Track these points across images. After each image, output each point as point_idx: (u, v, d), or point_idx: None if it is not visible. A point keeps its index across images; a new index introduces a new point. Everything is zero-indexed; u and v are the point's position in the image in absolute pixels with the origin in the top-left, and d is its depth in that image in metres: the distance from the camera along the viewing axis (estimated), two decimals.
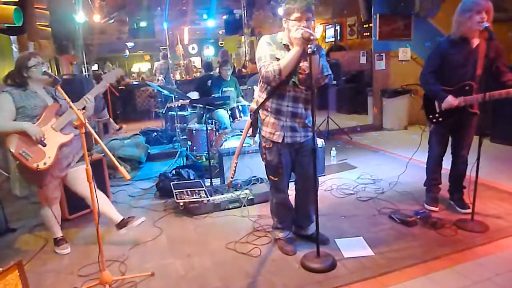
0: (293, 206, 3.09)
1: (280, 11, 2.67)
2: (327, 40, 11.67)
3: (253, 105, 2.88)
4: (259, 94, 2.84)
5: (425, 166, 3.65)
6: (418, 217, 3.33)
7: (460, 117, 3.24)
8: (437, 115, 3.30)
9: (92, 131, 2.44)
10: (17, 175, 3.17)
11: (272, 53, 2.64)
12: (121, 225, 3.17)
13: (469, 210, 3.24)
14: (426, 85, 3.32)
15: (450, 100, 3.12)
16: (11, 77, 2.92)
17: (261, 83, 2.79)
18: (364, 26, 9.98)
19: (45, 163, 2.80)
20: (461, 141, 3.38)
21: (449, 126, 3.35)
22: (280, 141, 2.75)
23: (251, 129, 2.96)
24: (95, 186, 2.54)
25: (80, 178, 3.04)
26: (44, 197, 3.04)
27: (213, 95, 5.63)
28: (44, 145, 2.81)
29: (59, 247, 3.16)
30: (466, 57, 3.12)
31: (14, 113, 2.80)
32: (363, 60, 9.26)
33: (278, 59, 2.61)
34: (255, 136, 3.03)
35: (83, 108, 2.96)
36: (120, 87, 10.38)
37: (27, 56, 2.90)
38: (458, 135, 3.40)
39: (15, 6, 3.56)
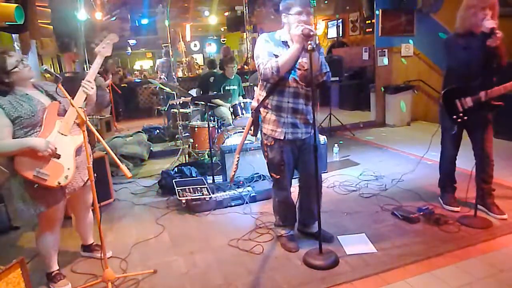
0: (296, 204, 3.08)
1: (281, 6, 2.65)
2: (329, 36, 11.64)
3: (254, 104, 2.87)
4: (259, 93, 2.83)
5: (439, 166, 3.58)
6: (421, 213, 3.31)
7: (482, 112, 3.12)
8: (461, 114, 3.12)
9: (93, 129, 2.42)
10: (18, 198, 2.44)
11: (270, 50, 2.63)
12: (87, 248, 3.06)
13: (505, 216, 3.19)
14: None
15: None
16: None
17: (260, 81, 2.78)
18: (367, 22, 9.96)
19: (66, 177, 2.41)
20: (483, 136, 3.21)
21: (466, 125, 3.21)
22: (281, 138, 2.74)
23: (252, 128, 2.95)
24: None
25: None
26: (49, 220, 2.56)
27: (213, 92, 5.62)
28: (58, 157, 2.39)
29: (57, 283, 2.64)
30: (473, 53, 3.03)
31: (11, 128, 2.32)
32: (365, 56, 9.24)
33: (276, 56, 2.60)
34: (256, 135, 3.02)
35: (85, 100, 2.54)
36: (122, 85, 10.40)
37: (1, 58, 2.34)
38: (477, 134, 3.24)
39: (17, 4, 3.54)
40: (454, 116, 3.14)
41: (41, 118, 2.40)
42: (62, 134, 2.44)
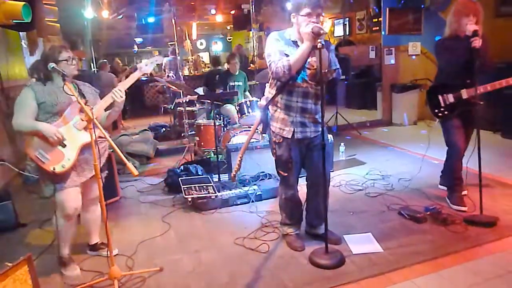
0: (302, 203, 3.07)
1: (289, 6, 2.65)
2: (336, 35, 11.59)
3: (263, 102, 2.87)
4: (269, 91, 2.83)
5: (444, 164, 3.63)
6: (428, 213, 3.29)
7: (465, 109, 3.31)
8: (442, 109, 3.39)
9: (100, 127, 2.43)
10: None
11: (281, 49, 2.63)
12: (94, 247, 3.09)
13: (464, 208, 3.36)
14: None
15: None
16: (36, 70, 2.70)
17: (271, 79, 2.78)
18: (374, 20, 9.88)
19: (63, 166, 2.56)
20: (468, 132, 3.46)
21: (460, 118, 3.39)
22: (290, 136, 2.73)
23: (261, 125, 2.94)
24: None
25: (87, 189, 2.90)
26: (59, 205, 2.68)
27: (220, 90, 5.62)
28: (64, 146, 2.58)
29: (65, 267, 2.80)
30: (461, 53, 3.20)
31: (36, 110, 2.59)
32: (372, 55, 9.18)
33: (287, 55, 2.60)
34: (265, 133, 3.02)
35: (111, 104, 2.74)
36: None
37: (58, 49, 2.68)
38: (464, 128, 3.44)
39: (24, 2, 3.57)
40: (436, 110, 3.44)
41: (63, 110, 2.63)
42: (76, 128, 2.65)
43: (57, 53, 2.65)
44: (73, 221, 2.79)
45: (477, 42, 2.99)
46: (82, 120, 2.57)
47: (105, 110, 2.80)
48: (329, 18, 11.60)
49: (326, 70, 2.61)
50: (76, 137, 2.63)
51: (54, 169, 2.54)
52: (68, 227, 2.78)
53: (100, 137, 2.62)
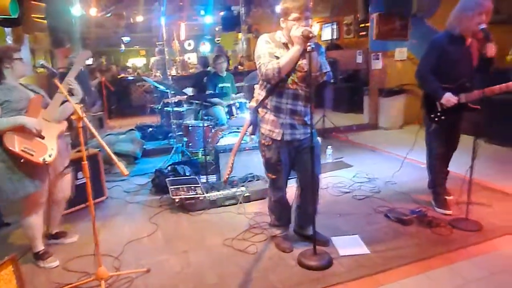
0: (291, 204, 3.08)
1: (278, 9, 2.66)
2: (323, 38, 11.68)
3: (253, 103, 2.87)
4: (258, 92, 2.83)
5: (427, 167, 3.65)
6: (414, 215, 3.34)
7: (460, 114, 3.27)
8: (438, 113, 3.28)
9: (89, 125, 2.42)
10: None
11: (271, 51, 2.64)
12: (54, 236, 3.21)
13: (448, 212, 3.38)
14: (424, 82, 3.30)
15: (450, 98, 3.13)
16: None
17: (260, 81, 2.79)
18: (361, 25, 10.00)
19: (50, 155, 2.66)
20: (455, 135, 3.45)
21: (450, 123, 3.35)
22: (279, 138, 2.74)
23: (250, 127, 2.95)
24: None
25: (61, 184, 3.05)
26: (34, 202, 2.77)
27: (209, 92, 5.62)
28: (43, 138, 2.67)
29: (45, 260, 2.87)
30: (462, 54, 3.16)
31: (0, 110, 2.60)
32: (359, 59, 9.26)
33: (277, 57, 2.61)
34: (254, 134, 3.02)
35: (71, 93, 2.83)
36: (116, 81, 10.31)
37: (12, 48, 2.80)
38: (453, 132, 3.44)
39: None
40: (432, 115, 3.30)
41: (27, 105, 2.69)
42: (46, 120, 2.75)
43: (12, 52, 2.73)
44: (42, 213, 2.87)
45: (493, 50, 2.89)
46: (72, 119, 2.55)
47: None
48: (317, 22, 11.70)
49: (318, 73, 2.63)
50: (49, 128, 2.74)
51: (44, 159, 2.61)
52: (39, 220, 2.86)
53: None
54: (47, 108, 2.79)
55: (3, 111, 2.60)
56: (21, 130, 2.57)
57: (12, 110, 2.63)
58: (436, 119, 3.30)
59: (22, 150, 2.55)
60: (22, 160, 2.55)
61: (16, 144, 2.55)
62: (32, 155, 2.58)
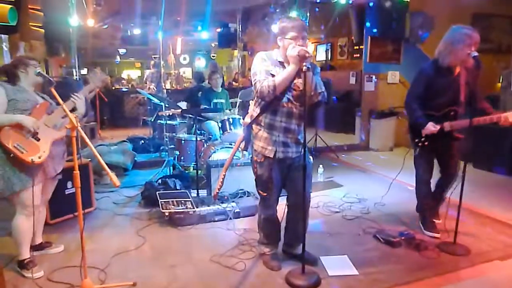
0: (281, 223, 3.08)
1: (275, 29, 2.71)
2: (318, 59, 11.85)
3: (247, 119, 2.89)
4: (253, 109, 2.85)
5: (415, 191, 3.69)
6: (403, 238, 3.35)
7: (445, 141, 3.33)
8: (423, 139, 3.35)
9: (84, 134, 2.41)
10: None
11: (267, 69, 2.67)
12: (39, 247, 3.16)
13: (437, 235, 3.42)
14: (408, 110, 3.42)
15: (431, 127, 3.22)
16: (4, 72, 2.88)
17: (255, 97, 2.82)
18: (355, 47, 10.18)
19: (39, 157, 2.72)
20: (449, 162, 3.48)
21: (435, 150, 3.43)
22: (271, 156, 2.75)
23: (243, 143, 2.96)
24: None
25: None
26: (21, 202, 2.78)
27: (203, 106, 5.64)
28: (38, 140, 2.75)
29: (29, 270, 2.81)
30: (449, 84, 3.25)
31: (5, 106, 2.73)
32: (352, 80, 9.42)
33: (273, 75, 2.64)
34: (246, 150, 3.03)
35: (73, 109, 2.94)
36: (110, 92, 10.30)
37: (31, 57, 2.96)
38: (444, 158, 3.49)
39: (11, 6, 3.53)
40: (416, 140, 3.39)
41: (32, 108, 2.81)
42: (46, 125, 2.84)
43: (29, 59, 2.90)
44: (32, 218, 2.83)
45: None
46: (67, 128, 2.54)
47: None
48: (312, 43, 11.88)
49: (312, 93, 2.67)
50: (47, 132, 2.82)
51: (32, 160, 2.67)
52: (27, 224, 2.85)
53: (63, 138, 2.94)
54: (51, 115, 2.90)
55: (8, 108, 2.73)
56: (19, 128, 2.69)
57: (16, 109, 2.75)
58: (420, 144, 3.38)
59: (14, 147, 2.64)
60: (11, 155, 2.64)
61: (10, 139, 2.65)
62: (22, 152, 2.66)
